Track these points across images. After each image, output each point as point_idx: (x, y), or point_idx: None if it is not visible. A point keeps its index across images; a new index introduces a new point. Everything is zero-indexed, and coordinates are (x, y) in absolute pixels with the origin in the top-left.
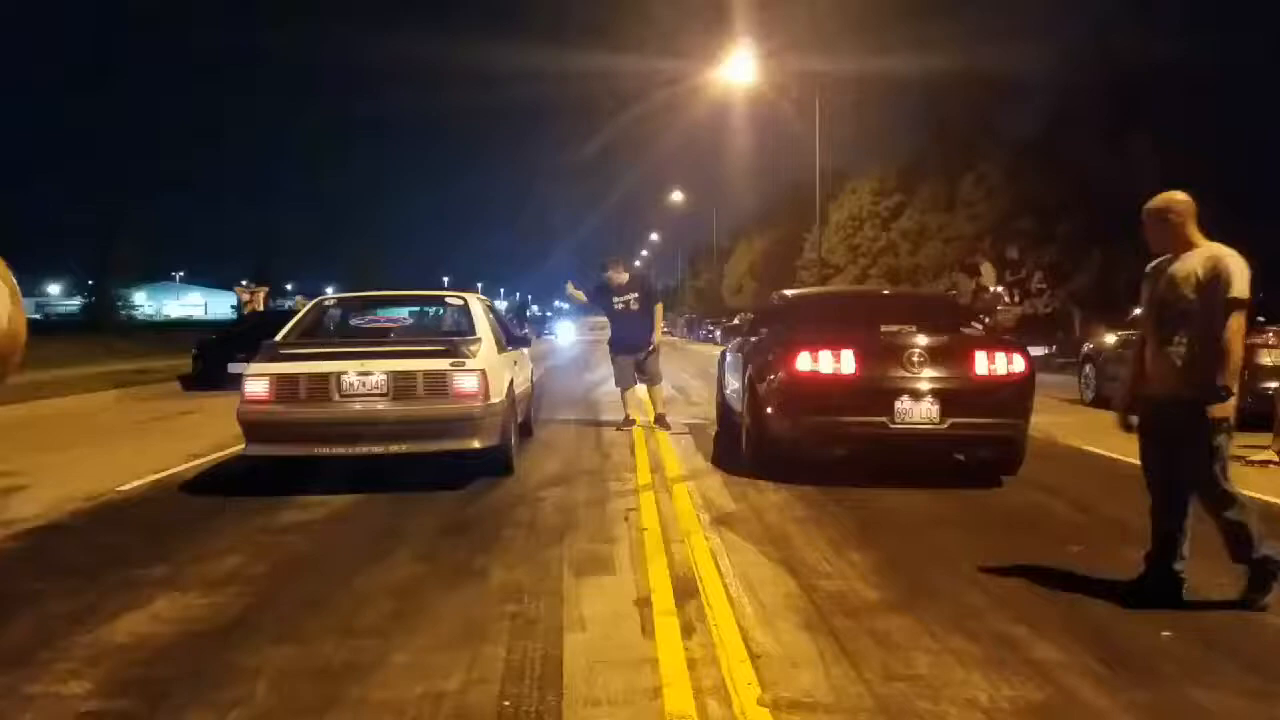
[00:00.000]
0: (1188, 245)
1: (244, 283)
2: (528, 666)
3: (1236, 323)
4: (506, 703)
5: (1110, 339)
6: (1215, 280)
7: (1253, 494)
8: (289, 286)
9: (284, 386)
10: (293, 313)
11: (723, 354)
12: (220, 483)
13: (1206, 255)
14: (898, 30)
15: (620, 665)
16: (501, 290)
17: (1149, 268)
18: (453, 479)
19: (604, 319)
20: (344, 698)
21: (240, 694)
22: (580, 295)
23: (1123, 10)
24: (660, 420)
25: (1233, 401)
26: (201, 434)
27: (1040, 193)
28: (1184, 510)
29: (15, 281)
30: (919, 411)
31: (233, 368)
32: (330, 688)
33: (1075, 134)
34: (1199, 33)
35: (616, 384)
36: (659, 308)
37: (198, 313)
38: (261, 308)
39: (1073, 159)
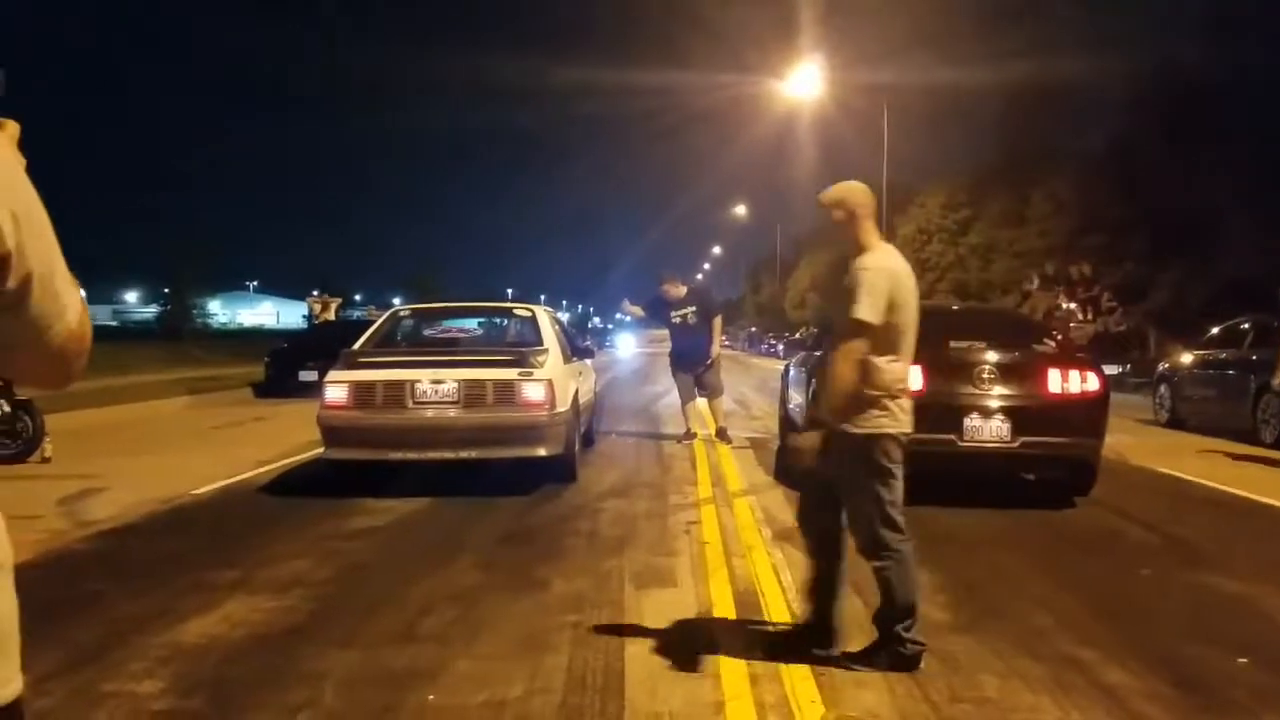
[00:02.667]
0: (860, 248)
1: (315, 293)
2: (589, 677)
3: (851, 345)
4: (569, 713)
5: (1186, 358)
6: (849, 294)
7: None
8: (358, 297)
9: (361, 393)
10: (361, 322)
11: (786, 368)
12: (290, 488)
13: (854, 265)
14: (967, 44)
15: (681, 678)
16: (564, 302)
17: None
18: (516, 486)
19: (664, 332)
20: (407, 704)
21: (308, 697)
22: (637, 310)
23: (1193, 25)
24: (721, 434)
25: (814, 436)
26: (273, 440)
27: (1112, 209)
28: (838, 553)
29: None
30: (989, 429)
31: (303, 376)
32: (394, 693)
33: (1146, 149)
34: (1268, 45)
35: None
36: (717, 321)
37: (270, 321)
38: (333, 317)
39: (1144, 175)
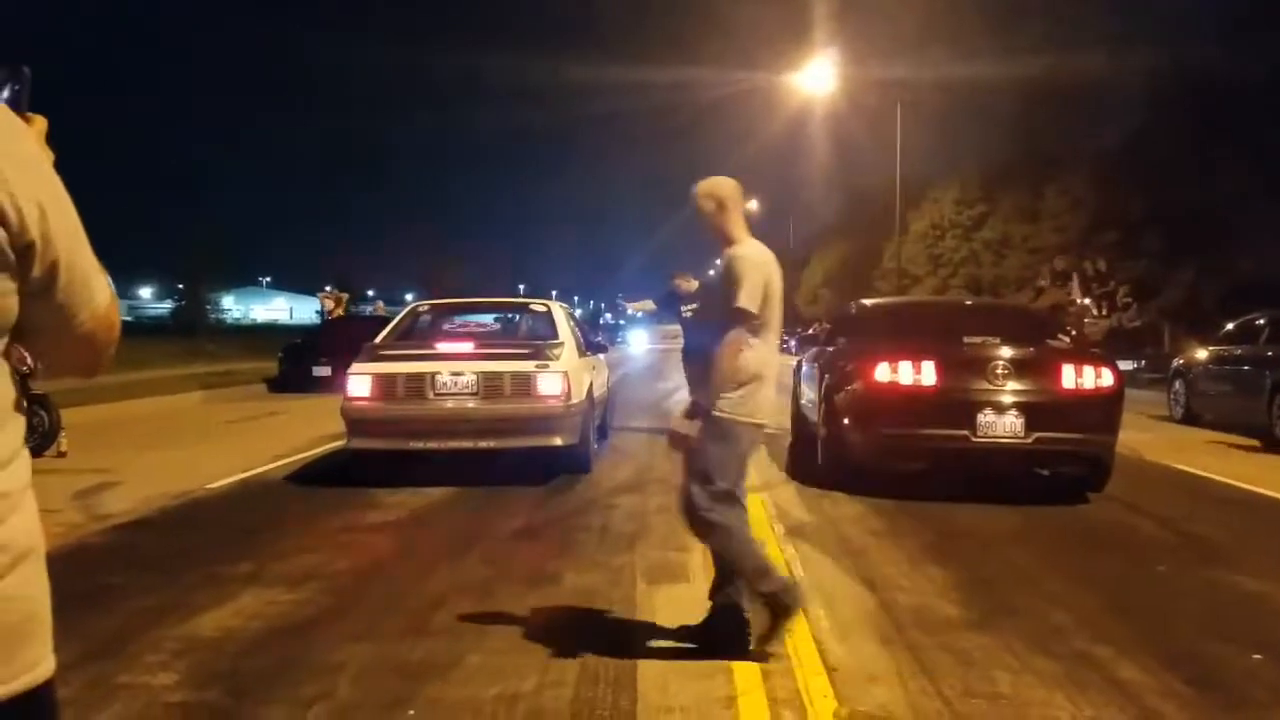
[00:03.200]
0: (730, 240)
1: (328, 289)
2: (601, 671)
3: (736, 335)
4: (581, 706)
5: (1201, 354)
6: (726, 284)
7: None
8: (370, 292)
9: (384, 385)
10: (373, 318)
11: (798, 364)
12: (303, 482)
13: (727, 255)
14: (983, 39)
15: (694, 673)
16: (575, 298)
17: None
18: (529, 479)
19: (678, 328)
20: (421, 696)
21: (322, 689)
22: (644, 305)
23: (1212, 22)
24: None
25: (695, 424)
26: (287, 435)
27: (1128, 205)
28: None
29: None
30: (1003, 425)
31: (317, 371)
32: (408, 686)
33: (1164, 145)
34: None
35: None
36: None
37: (283, 317)
38: (343, 313)
39: (1162, 171)
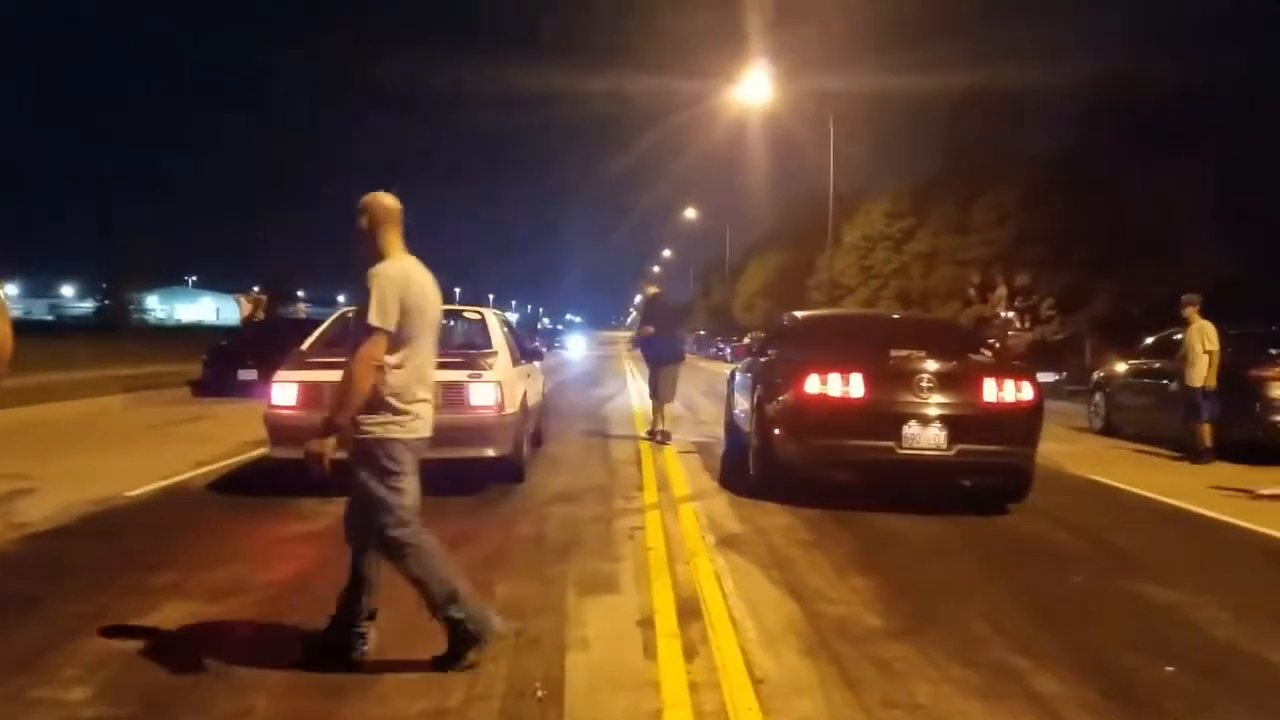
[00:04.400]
0: (379, 256)
1: (256, 289)
2: (529, 685)
3: (365, 351)
4: None
5: (1121, 367)
6: (364, 299)
7: (1262, 529)
8: (300, 293)
9: (309, 393)
10: (297, 320)
11: (732, 373)
12: (228, 490)
13: (370, 271)
14: (915, 51)
15: (622, 686)
16: (513, 303)
17: None
18: (462, 488)
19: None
20: (344, 713)
21: (241, 706)
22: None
23: (1144, 36)
24: (665, 436)
25: (331, 442)
26: (211, 441)
27: (1054, 219)
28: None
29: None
30: (927, 437)
31: (243, 375)
32: (331, 703)
33: (1092, 161)
34: (1221, 57)
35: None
36: (646, 329)
37: (209, 317)
38: (261, 316)
39: (1089, 186)
